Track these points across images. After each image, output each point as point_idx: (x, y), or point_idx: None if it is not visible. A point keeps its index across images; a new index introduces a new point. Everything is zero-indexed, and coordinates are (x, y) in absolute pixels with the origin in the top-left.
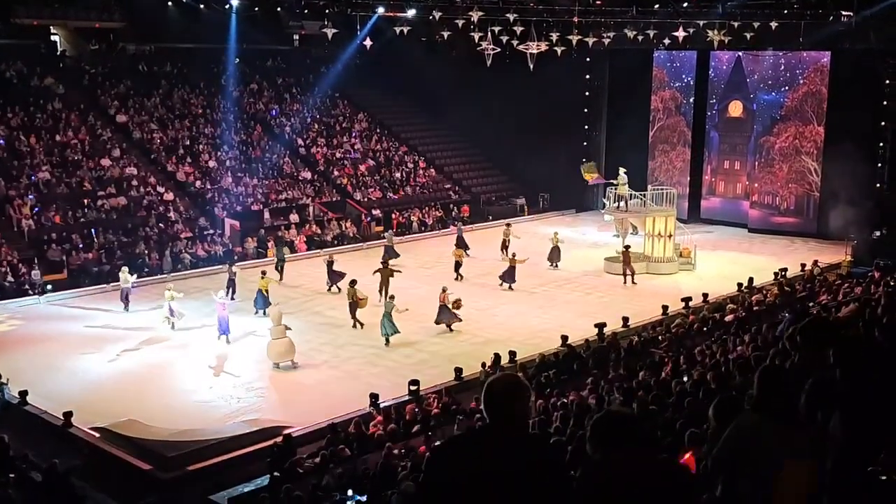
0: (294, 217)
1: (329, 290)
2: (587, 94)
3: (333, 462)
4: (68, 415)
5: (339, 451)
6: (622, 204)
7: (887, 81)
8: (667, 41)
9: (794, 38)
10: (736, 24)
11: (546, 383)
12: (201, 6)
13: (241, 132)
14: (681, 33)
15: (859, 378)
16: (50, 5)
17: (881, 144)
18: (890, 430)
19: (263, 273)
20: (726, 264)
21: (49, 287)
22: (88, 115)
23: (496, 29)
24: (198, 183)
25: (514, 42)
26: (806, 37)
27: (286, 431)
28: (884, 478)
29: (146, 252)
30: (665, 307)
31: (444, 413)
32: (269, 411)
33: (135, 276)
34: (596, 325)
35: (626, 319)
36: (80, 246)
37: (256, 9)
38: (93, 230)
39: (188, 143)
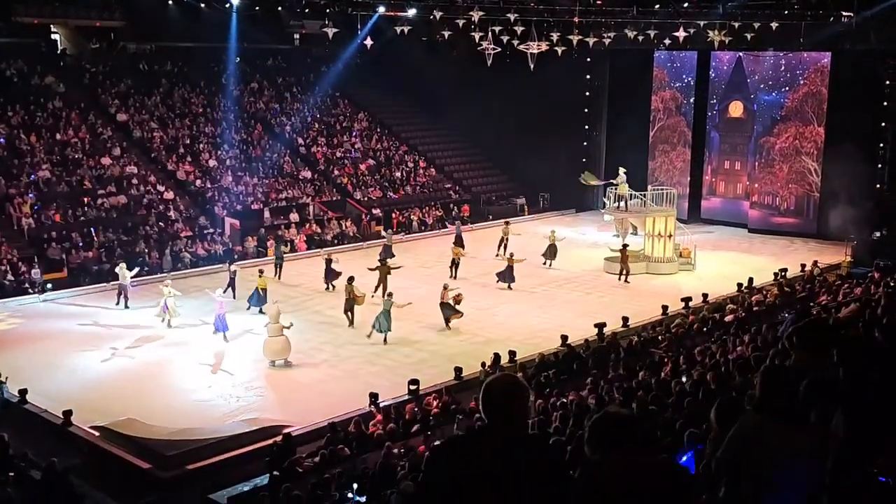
0: (294, 216)
1: (326, 288)
2: (587, 94)
3: (333, 461)
4: (68, 413)
5: (338, 450)
6: (622, 204)
7: (887, 82)
8: (667, 41)
9: (795, 38)
10: (736, 24)
11: (546, 383)
12: (202, 5)
13: (242, 131)
14: (681, 33)
15: (860, 378)
16: (50, 4)
17: (881, 145)
18: (890, 430)
19: (261, 272)
20: (726, 264)
21: (49, 286)
22: (89, 114)
23: (497, 29)
24: (198, 182)
25: (515, 42)
26: (806, 37)
27: (285, 431)
28: (883, 479)
29: (146, 251)
30: (665, 307)
31: (444, 412)
32: (268, 410)
33: (134, 270)
34: (596, 325)
35: (625, 319)
36: (80, 244)
37: (257, 8)
38: (93, 229)
39: (188, 142)
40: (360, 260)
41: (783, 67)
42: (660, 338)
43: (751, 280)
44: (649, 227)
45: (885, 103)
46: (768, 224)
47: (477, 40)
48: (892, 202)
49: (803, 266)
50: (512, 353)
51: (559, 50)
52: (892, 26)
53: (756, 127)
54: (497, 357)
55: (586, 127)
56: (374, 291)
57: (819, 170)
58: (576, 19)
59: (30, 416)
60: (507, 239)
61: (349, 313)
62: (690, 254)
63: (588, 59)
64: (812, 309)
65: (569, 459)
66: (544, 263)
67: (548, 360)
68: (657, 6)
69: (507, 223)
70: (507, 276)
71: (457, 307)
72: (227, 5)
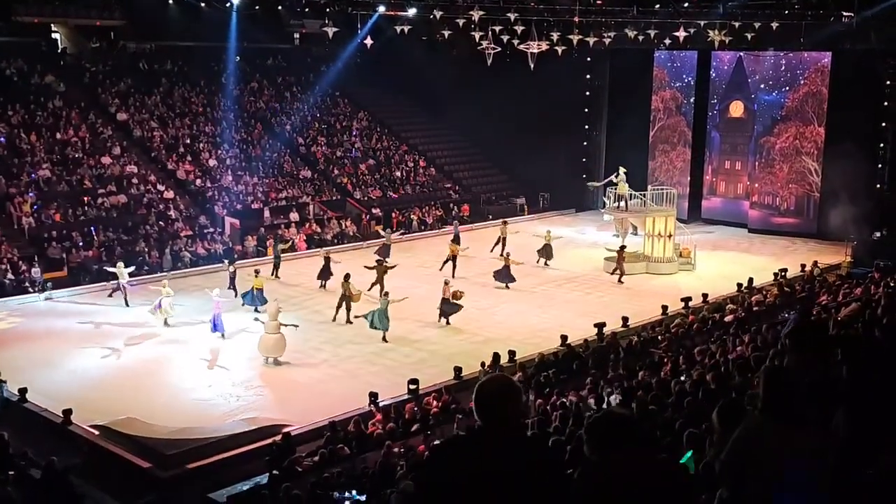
0: (294, 216)
1: (321, 286)
2: (587, 93)
3: (333, 461)
4: (68, 412)
5: (338, 449)
6: (622, 204)
7: (888, 82)
8: (667, 41)
9: (795, 38)
10: (737, 24)
11: (545, 383)
12: (202, 4)
13: (242, 130)
14: (681, 33)
15: (861, 378)
16: (51, 3)
17: (881, 145)
18: (891, 429)
19: (257, 272)
20: (726, 264)
21: (49, 285)
22: (89, 113)
23: (497, 28)
24: (198, 181)
25: (515, 41)
26: (807, 37)
27: (285, 430)
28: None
29: (146, 250)
30: (665, 307)
31: (444, 412)
32: (268, 410)
33: (131, 268)
34: (595, 325)
35: (625, 319)
36: (80, 244)
37: (257, 7)
38: (93, 228)
39: (188, 141)
40: (359, 259)
41: (783, 67)
42: (659, 338)
43: (751, 280)
44: (649, 226)
45: (886, 103)
46: (768, 224)
47: (477, 40)
48: (893, 202)
49: (803, 266)
50: (512, 353)
51: (559, 49)
52: (892, 26)
53: (756, 127)
54: (497, 357)
55: (586, 127)
56: (369, 289)
57: (819, 170)
58: (576, 19)
59: (30, 415)
60: (504, 238)
61: (339, 309)
62: (690, 254)
63: (588, 59)
64: (813, 309)
65: (568, 459)
66: (538, 261)
67: (547, 360)
68: (657, 6)
69: (504, 223)
70: (504, 275)
71: (456, 302)
72: (227, 4)
